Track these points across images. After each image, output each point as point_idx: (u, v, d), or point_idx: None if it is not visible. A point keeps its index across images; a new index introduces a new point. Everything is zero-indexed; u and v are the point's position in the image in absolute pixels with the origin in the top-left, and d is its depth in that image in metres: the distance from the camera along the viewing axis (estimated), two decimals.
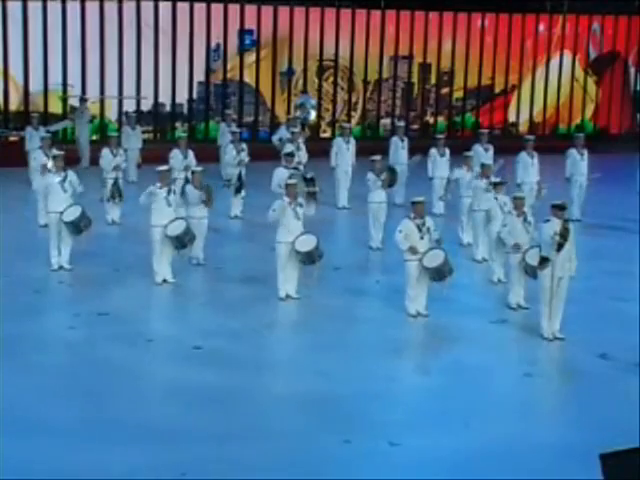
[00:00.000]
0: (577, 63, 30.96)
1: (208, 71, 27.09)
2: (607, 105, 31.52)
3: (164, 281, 14.29)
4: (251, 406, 10.11)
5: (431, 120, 29.82)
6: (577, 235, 12.94)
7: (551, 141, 27.43)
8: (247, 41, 27.30)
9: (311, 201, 14.27)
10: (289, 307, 13.62)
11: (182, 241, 14.17)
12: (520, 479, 8.63)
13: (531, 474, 8.79)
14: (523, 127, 30.47)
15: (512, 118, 30.63)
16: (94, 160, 19.95)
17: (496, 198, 15.01)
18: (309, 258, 13.59)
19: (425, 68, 29.27)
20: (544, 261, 12.18)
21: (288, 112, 27.02)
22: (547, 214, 12.36)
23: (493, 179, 15.68)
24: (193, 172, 15.43)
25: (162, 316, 13.77)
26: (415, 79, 29.33)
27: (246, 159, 19.02)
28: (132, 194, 17.73)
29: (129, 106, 26.03)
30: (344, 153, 20.31)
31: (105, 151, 18.06)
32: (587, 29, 30.80)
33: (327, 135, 27.69)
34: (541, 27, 30.30)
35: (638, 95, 31.88)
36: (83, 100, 24.55)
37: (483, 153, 19.29)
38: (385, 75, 28.99)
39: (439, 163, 19.32)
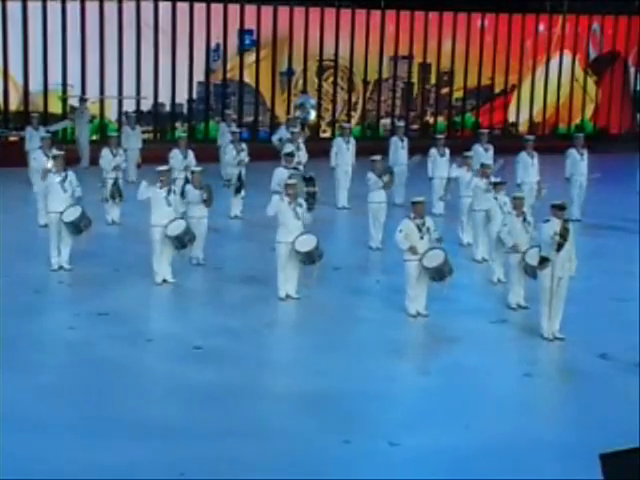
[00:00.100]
0: (577, 63, 30.96)
1: (208, 71, 27.08)
2: (607, 105, 31.52)
3: (164, 281, 14.29)
4: (251, 406, 10.11)
5: (431, 120, 29.81)
6: (577, 235, 12.96)
7: (551, 141, 27.44)
8: (247, 41, 27.30)
9: (307, 211, 14.26)
10: (289, 307, 13.62)
11: (182, 241, 14.17)
12: (520, 479, 8.63)
13: (531, 474, 8.80)
14: (523, 127, 30.46)
15: (512, 118, 30.63)
16: (94, 160, 19.94)
17: (496, 198, 15.02)
18: (309, 258, 13.59)
19: (425, 68, 29.26)
20: (544, 261, 12.18)
21: (288, 112, 27.02)
22: (547, 214, 12.37)
23: (493, 179, 15.69)
24: (193, 172, 15.43)
25: (162, 316, 13.77)
26: (415, 79, 29.33)
27: (246, 159, 19.02)
28: (132, 194, 17.74)
29: (129, 106, 26.03)
30: (344, 153, 20.31)
31: (105, 151, 18.06)
32: (587, 29, 30.79)
33: (327, 135, 27.68)
34: (541, 27, 30.29)
35: (638, 95, 31.87)
36: (83, 100, 24.55)
37: (483, 153, 19.29)
38: (385, 75, 28.99)
39: (439, 163, 19.32)
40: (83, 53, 25.60)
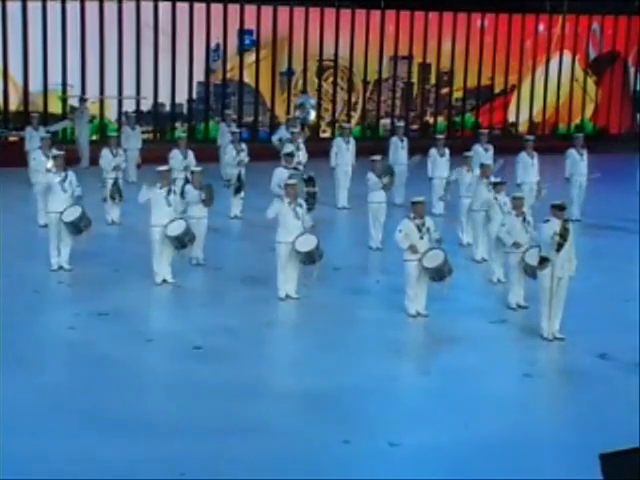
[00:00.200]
0: (577, 63, 30.96)
1: (208, 71, 27.08)
2: (607, 105, 31.52)
3: (164, 281, 14.29)
4: (250, 405, 10.11)
5: (431, 120, 29.81)
6: (577, 235, 12.96)
7: (551, 141, 27.44)
8: (247, 41, 27.30)
9: (307, 211, 14.27)
10: (289, 307, 13.62)
11: (182, 241, 14.17)
12: (520, 479, 8.63)
13: (531, 474, 8.80)
14: (523, 127, 30.47)
15: (512, 118, 30.63)
16: (94, 160, 19.95)
17: (496, 198, 15.02)
18: (309, 258, 13.59)
19: (425, 68, 29.26)
20: (544, 261, 12.18)
21: (288, 112, 27.01)
22: (547, 214, 12.37)
23: (493, 179, 15.69)
24: (193, 172, 15.43)
25: (162, 316, 13.78)
26: (415, 79, 29.33)
27: (246, 159, 19.03)
28: (132, 194, 17.74)
29: (129, 106, 26.03)
30: (344, 153, 20.31)
31: (105, 151, 18.06)
32: (587, 29, 30.79)
33: (327, 135, 27.68)
34: (541, 27, 30.29)
35: (638, 95, 31.87)
36: (83, 100, 24.55)
37: (483, 153, 19.28)
38: (385, 75, 28.98)
39: (439, 163, 19.33)
40: (83, 53, 25.61)
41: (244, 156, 19.02)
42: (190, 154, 18.36)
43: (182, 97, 27.00)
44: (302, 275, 13.78)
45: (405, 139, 20.78)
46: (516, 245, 13.35)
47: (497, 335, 12.74)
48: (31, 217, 17.09)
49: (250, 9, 27.09)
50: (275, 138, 21.90)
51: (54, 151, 15.89)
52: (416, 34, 28.81)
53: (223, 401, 10.19)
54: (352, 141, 20.58)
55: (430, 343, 12.64)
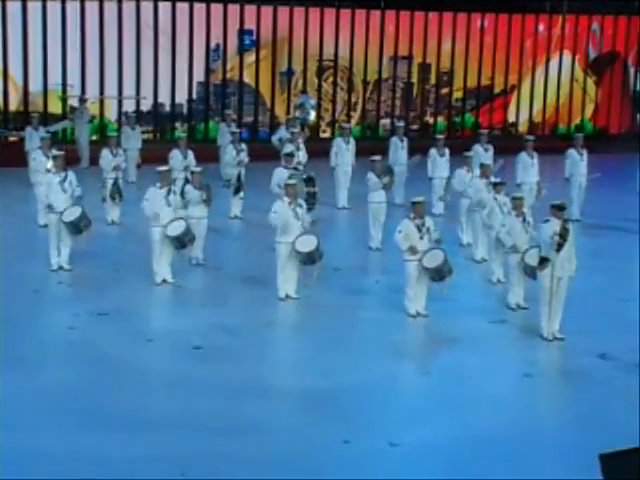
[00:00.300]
0: (577, 63, 30.96)
1: (208, 71, 27.07)
2: (607, 105, 31.51)
3: (164, 281, 14.29)
4: (250, 405, 10.10)
5: (431, 120, 29.81)
6: (577, 235, 12.96)
7: (551, 141, 27.44)
8: (247, 41, 27.30)
9: (307, 211, 14.26)
10: (289, 307, 13.62)
11: (182, 241, 14.17)
12: (520, 479, 8.64)
13: (531, 474, 8.80)
14: (523, 127, 30.46)
15: (512, 118, 30.63)
16: (94, 160, 19.96)
17: (495, 198, 15.01)
18: (309, 258, 13.59)
19: (425, 68, 29.26)
20: (544, 261, 12.18)
21: (288, 112, 27.01)
22: (547, 214, 12.37)
23: (493, 179, 15.69)
24: (192, 172, 15.43)
25: (162, 316, 13.78)
26: (415, 79, 29.32)
27: (246, 159, 19.03)
28: (132, 194, 17.77)
29: (129, 106, 26.03)
30: (344, 153, 20.31)
31: (105, 151, 18.06)
32: (587, 29, 30.79)
33: (327, 135, 27.68)
34: (541, 27, 30.28)
35: (638, 95, 31.87)
36: (83, 100, 24.54)
37: (483, 153, 19.30)
38: (385, 75, 28.98)
39: (439, 163, 19.33)
40: (83, 53, 25.60)
41: (244, 156, 19.03)
42: (190, 154, 18.36)
43: (182, 97, 27.00)
44: (302, 275, 13.78)
45: (405, 139, 20.78)
46: (514, 248, 13.34)
47: (497, 335, 12.74)
48: (31, 217, 17.10)
49: (250, 9, 27.09)
50: (275, 138, 21.90)
51: (54, 151, 15.89)
52: (416, 34, 28.81)
53: (223, 400, 10.19)
54: (352, 141, 20.58)
55: (430, 343, 12.64)
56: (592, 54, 31.16)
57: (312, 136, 25.22)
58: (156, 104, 26.70)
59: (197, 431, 9.41)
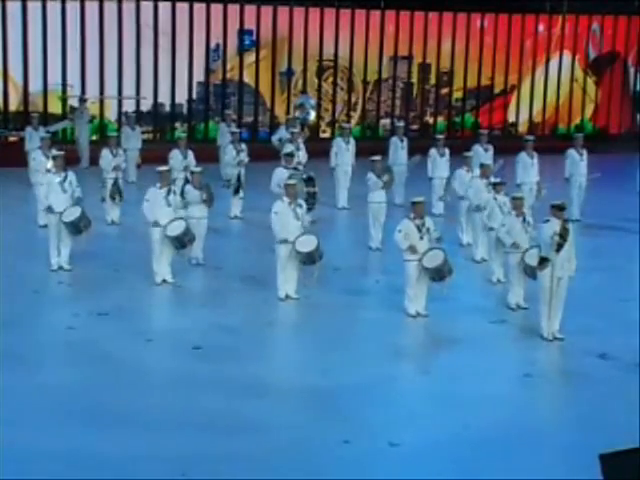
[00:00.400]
0: (577, 63, 30.96)
1: (208, 71, 27.08)
2: (607, 105, 31.51)
3: (164, 281, 14.29)
4: (250, 405, 10.11)
5: (431, 120, 29.81)
6: (577, 235, 12.97)
7: (551, 141, 27.45)
8: (247, 41, 27.30)
9: (307, 211, 14.26)
10: (289, 307, 13.62)
11: (182, 241, 14.17)
12: (520, 479, 8.64)
13: (531, 474, 8.80)
14: (523, 127, 30.46)
15: (512, 118, 30.63)
16: (94, 160, 19.96)
17: (495, 198, 15.02)
18: (309, 258, 13.59)
19: (425, 68, 29.26)
20: (544, 261, 12.18)
21: (288, 112, 27.01)
22: (547, 214, 12.37)
23: (493, 179, 15.69)
24: (193, 172, 15.44)
25: (162, 316, 13.78)
26: (415, 79, 29.32)
27: (246, 159, 19.03)
28: (132, 194, 17.78)
29: (129, 106, 26.03)
30: (344, 153, 20.31)
31: (105, 151, 18.06)
32: (587, 29, 30.79)
33: (327, 135, 27.68)
34: (540, 27, 30.28)
35: (638, 95, 31.87)
36: (83, 100, 24.55)
37: (483, 153, 19.30)
38: (384, 75, 28.98)
39: (439, 163, 19.34)
40: (83, 53, 25.61)
41: (244, 156, 19.03)
42: (190, 154, 18.36)
43: (182, 97, 27.00)
44: (302, 275, 13.78)
45: (405, 139, 20.78)
46: (515, 245, 13.35)
47: (497, 335, 12.74)
48: (31, 217, 17.09)
49: (250, 9, 27.09)
50: (275, 138, 21.90)
51: (54, 151, 15.89)
52: (416, 34, 28.81)
53: (223, 400, 10.20)
54: (352, 141, 20.58)
55: (430, 343, 12.64)
56: (592, 54, 31.16)
57: (312, 136, 25.19)
58: (156, 104, 26.71)
59: (197, 430, 9.42)
